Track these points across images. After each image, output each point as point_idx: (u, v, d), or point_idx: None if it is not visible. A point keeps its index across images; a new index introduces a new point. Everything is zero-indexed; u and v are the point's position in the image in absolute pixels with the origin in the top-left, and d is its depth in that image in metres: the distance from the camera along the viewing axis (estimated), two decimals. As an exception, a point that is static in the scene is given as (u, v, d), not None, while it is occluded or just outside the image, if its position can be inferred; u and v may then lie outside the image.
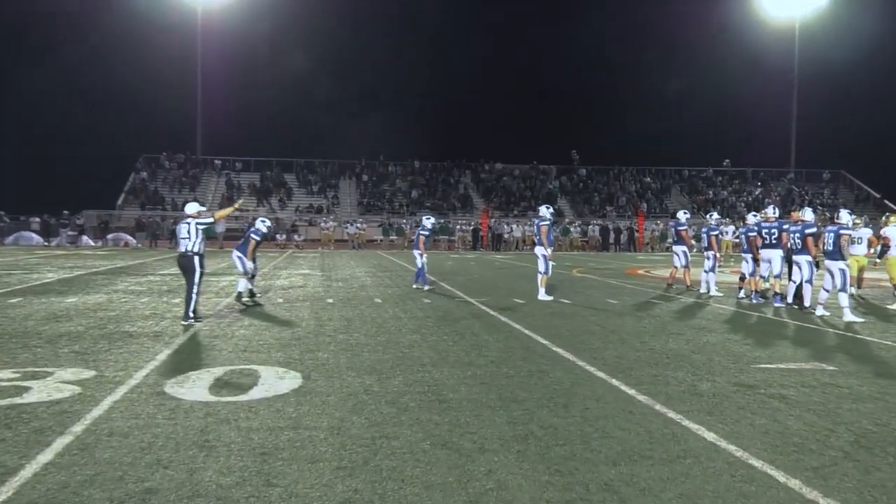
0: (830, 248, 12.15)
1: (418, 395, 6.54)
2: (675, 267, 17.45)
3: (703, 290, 16.44)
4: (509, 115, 77.66)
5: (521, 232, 44.00)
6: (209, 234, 41.19)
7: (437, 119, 73.26)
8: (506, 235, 43.97)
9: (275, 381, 7.07)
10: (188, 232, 10.75)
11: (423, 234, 16.59)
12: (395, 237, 43.09)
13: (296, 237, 43.34)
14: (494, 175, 58.11)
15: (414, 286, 16.56)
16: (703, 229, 17.04)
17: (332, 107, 70.16)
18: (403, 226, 43.93)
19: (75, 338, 9.35)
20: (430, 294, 15.47)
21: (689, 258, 17.13)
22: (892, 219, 15.07)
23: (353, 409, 6.10)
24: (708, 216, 17.44)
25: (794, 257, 13.32)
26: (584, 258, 34.44)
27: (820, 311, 12.41)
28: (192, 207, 11.12)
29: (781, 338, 10.00)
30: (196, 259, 10.70)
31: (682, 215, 17.53)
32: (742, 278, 15.36)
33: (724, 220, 35.03)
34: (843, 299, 11.90)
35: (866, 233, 15.39)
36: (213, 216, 11.01)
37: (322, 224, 44.25)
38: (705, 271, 16.45)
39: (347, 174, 56.30)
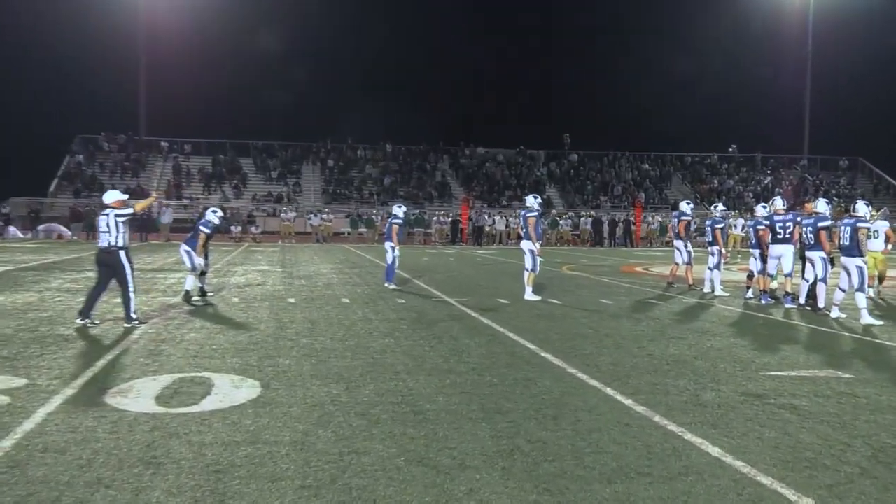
0: (847, 244, 12.31)
1: (391, 406, 6.55)
2: (676, 264, 17.60)
3: (706, 289, 16.59)
4: (493, 93, 77.69)
5: (506, 224, 44.17)
6: (154, 227, 40.91)
7: (411, 98, 73.21)
8: (488, 228, 44.10)
9: (230, 391, 7.04)
10: (108, 225, 10.50)
11: (395, 224, 16.59)
12: (365, 230, 43.07)
13: (252, 229, 43.16)
14: (476, 161, 58.26)
15: (385, 284, 16.56)
16: (707, 222, 17.19)
17: (293, 84, 69.82)
18: (374, 217, 43.88)
19: (2, 342, 9.25)
20: (405, 294, 15.48)
21: (692, 254, 17.28)
22: None
23: (318, 422, 6.09)
24: (712, 207, 17.60)
25: (807, 253, 13.49)
26: (575, 254, 34.62)
27: (835, 313, 12.57)
28: (111, 196, 10.85)
29: (793, 342, 10.13)
30: (121, 254, 10.51)
31: (686, 206, 17.68)
32: (750, 276, 15.51)
33: (731, 213, 35.37)
34: (861, 300, 12.07)
35: (883, 226, 15.51)
36: (133, 207, 10.84)
37: (282, 215, 44.11)
38: (709, 269, 16.60)
39: (311, 159, 56.11)
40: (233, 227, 42.14)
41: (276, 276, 19.27)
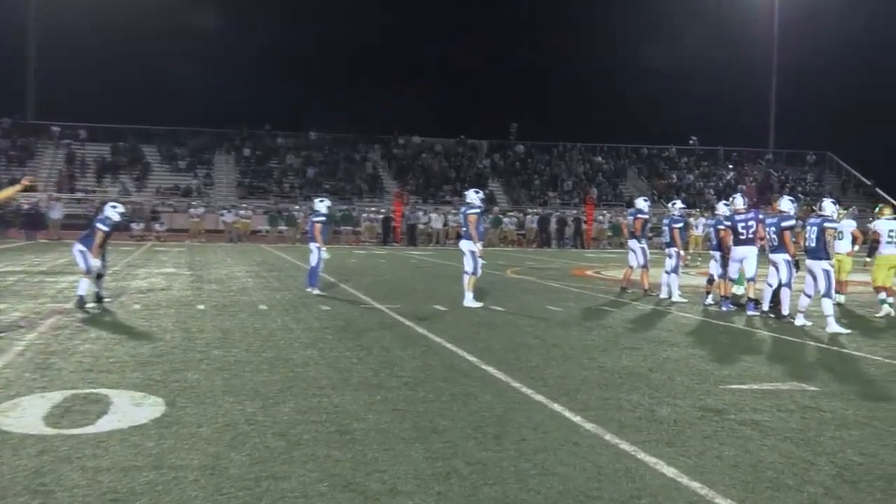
0: (813, 245, 12.65)
1: (314, 425, 6.53)
2: (631, 267, 17.87)
3: (663, 294, 16.89)
4: (431, 75, 77.79)
5: (444, 222, 44.34)
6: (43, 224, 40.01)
7: (338, 79, 72.79)
8: (423, 226, 44.20)
9: (130, 409, 6.95)
10: None
11: (317, 222, 16.53)
12: (286, 227, 42.82)
13: (157, 227, 42.56)
14: (411, 151, 58.34)
15: (308, 289, 16.50)
16: (665, 221, 17.49)
17: (204, 62, 68.84)
18: (296, 213, 43.63)
19: None
20: (330, 300, 15.43)
21: (648, 256, 17.57)
22: (884, 211, 15.68)
23: (231, 444, 6.05)
24: (671, 205, 17.90)
25: (771, 256, 13.84)
26: (520, 255, 34.88)
27: (800, 321, 12.92)
28: None
29: (755, 353, 10.38)
30: None
31: (642, 203, 17.97)
32: (710, 281, 15.84)
33: (693, 211, 35.99)
34: (828, 306, 12.42)
35: (849, 225, 15.81)
36: None
37: (191, 210, 43.55)
38: (666, 272, 16.90)
39: (225, 147, 55.49)
40: (134, 225, 41.53)
41: (184, 280, 19.06)
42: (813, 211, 15.84)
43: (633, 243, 17.68)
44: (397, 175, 55.29)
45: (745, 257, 14.59)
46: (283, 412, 6.93)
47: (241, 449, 5.93)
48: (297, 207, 45.34)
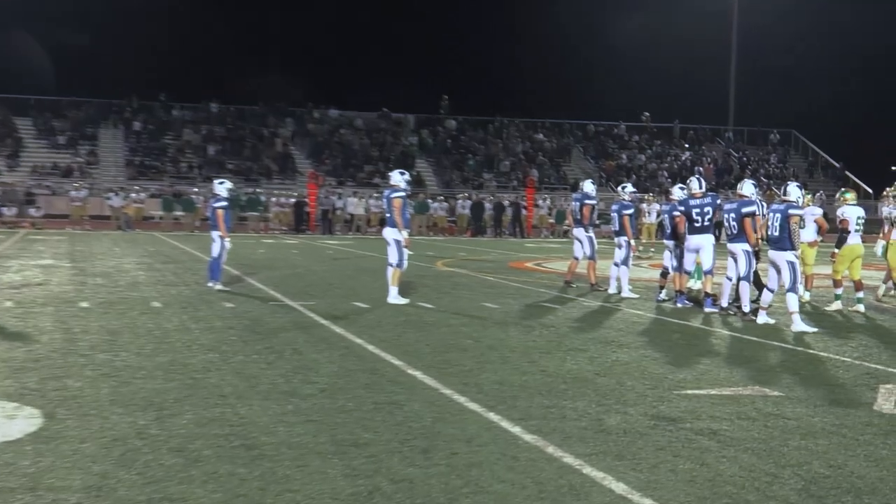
0: (776, 234, 12.88)
1: (216, 440, 6.49)
2: (576, 258, 18.04)
3: (612, 289, 17.09)
4: (350, 39, 77.40)
5: (365, 207, 44.24)
6: None
7: (245, 43, 71.98)
8: (340, 212, 44.05)
9: (1, 422, 6.83)
10: None
11: (219, 207, 16.39)
12: (183, 213, 42.33)
13: (32, 211, 41.73)
14: (327, 126, 58.06)
15: (209, 284, 16.36)
16: (614, 207, 17.68)
17: (87, 20, 67.53)
18: (194, 197, 43.15)
19: None
20: (234, 296, 15.33)
21: (596, 247, 17.75)
22: (847, 196, 16.02)
23: (119, 461, 5.98)
24: (620, 189, 18.10)
25: (729, 246, 14.09)
26: (451, 245, 34.97)
27: (762, 319, 13.18)
28: None
29: (713, 354, 10.57)
30: None
31: (590, 186, 18.11)
32: (664, 274, 16.06)
33: (646, 196, 36.33)
34: (793, 302, 12.67)
35: (813, 213, 16.06)
36: None
37: (72, 193, 42.78)
38: (616, 264, 17.10)
39: (112, 120, 54.56)
40: (4, 210, 40.69)
41: (64, 274, 18.76)
42: (768, 194, 16.18)
43: (578, 232, 17.82)
44: (311, 153, 54.98)
45: (701, 247, 14.79)
46: (180, 424, 6.87)
47: (131, 467, 5.86)
48: (195, 190, 44.83)
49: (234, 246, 17.58)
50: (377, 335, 11.24)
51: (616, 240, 17.22)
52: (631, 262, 17.26)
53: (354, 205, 44.29)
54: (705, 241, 14.73)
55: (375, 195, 43.94)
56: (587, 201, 17.70)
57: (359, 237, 40.61)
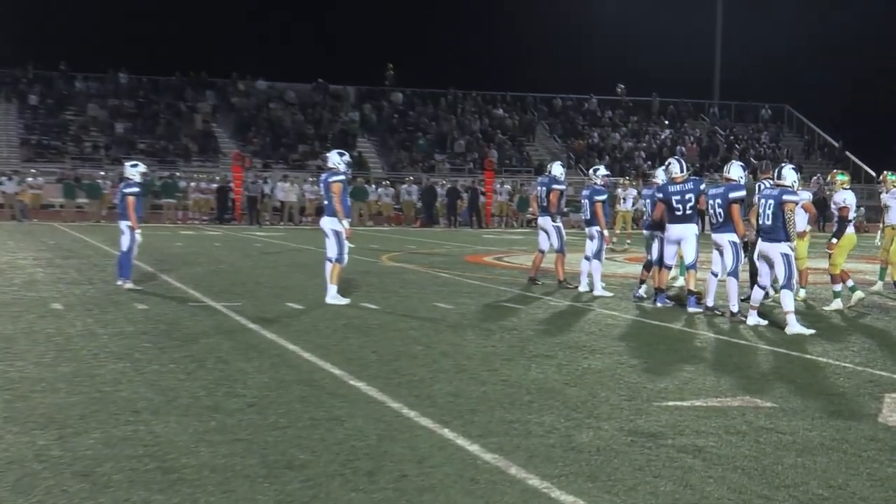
0: (768, 223, 12.98)
1: (128, 462, 6.44)
2: (542, 251, 18.09)
3: (582, 287, 17.16)
4: (281, 4, 77.02)
5: (298, 194, 44.08)
6: None
7: (157, 2, 71.31)
8: (267, 198, 43.84)
9: None
10: None
11: (130, 194, 16.24)
12: (87, 200, 42.01)
13: (-90, 199, 41.07)
14: (254, 100, 57.75)
15: (119, 282, 16.24)
16: (585, 192, 17.75)
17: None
18: (100, 182, 42.76)
19: None
20: (147, 296, 15.25)
21: (565, 238, 17.79)
22: (843, 178, 16.23)
23: (16, 487, 5.93)
24: (592, 172, 18.14)
25: (714, 236, 14.18)
26: (399, 237, 34.95)
27: (753, 320, 13.29)
28: None
29: (698, 361, 10.64)
30: None
31: (558, 169, 18.12)
32: (647, 266, 16.12)
33: (622, 180, 36.34)
34: (787, 300, 12.79)
35: (801, 197, 16.16)
36: None
37: (-42, 177, 42.24)
38: (587, 258, 17.17)
39: (3, 93, 53.86)
40: None
41: (-51, 271, 18.53)
42: (753, 176, 16.30)
43: (544, 221, 17.85)
44: (236, 131, 54.67)
45: (683, 239, 14.86)
46: (86, 445, 6.81)
47: (29, 493, 5.82)
48: (102, 174, 44.40)
49: (147, 238, 17.44)
50: (314, 341, 11.23)
51: (587, 230, 17.28)
52: (604, 255, 17.34)
53: (286, 191, 44.11)
54: (687, 232, 14.79)
55: (311, 179, 43.82)
56: (554, 186, 17.73)
57: (292, 228, 40.45)
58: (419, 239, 34.18)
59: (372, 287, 17.09)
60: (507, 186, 48.85)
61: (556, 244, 17.73)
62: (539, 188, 18.06)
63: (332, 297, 14.66)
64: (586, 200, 17.36)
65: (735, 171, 14.17)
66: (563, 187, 17.94)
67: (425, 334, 11.96)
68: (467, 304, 15.02)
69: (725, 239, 14.01)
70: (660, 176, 16.19)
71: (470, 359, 10.34)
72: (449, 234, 39.08)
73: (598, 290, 16.72)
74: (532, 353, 10.76)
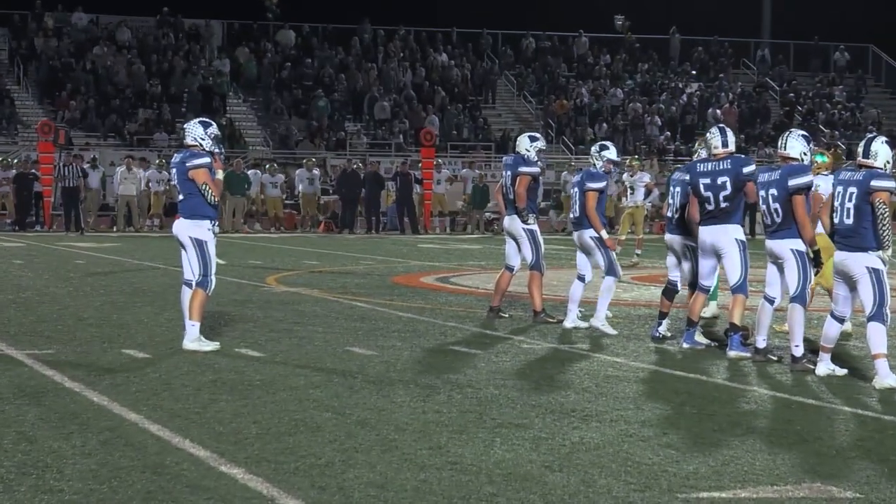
0: (849, 223, 12.92)
1: None
2: (509, 269, 18.10)
3: (569, 321, 17.18)
4: None
5: (139, 185, 43.70)
6: None
7: None
8: (92, 191, 43.48)
9: None
10: None
11: None
12: None
13: None
14: (70, 41, 57.41)
15: None
16: (575, 178, 17.83)
17: None
18: None
19: None
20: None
21: (542, 248, 17.78)
22: (821, 161, 16.78)
23: None
24: (595, 151, 17.64)
25: (770, 243, 14.19)
26: (293, 247, 34.85)
27: (824, 368, 13.27)
28: None
29: (742, 430, 10.67)
30: None
31: (529, 145, 18.09)
32: (668, 292, 16.16)
33: (633, 160, 36.15)
34: (876, 337, 12.70)
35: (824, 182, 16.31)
36: None
37: None
38: (580, 278, 17.19)
39: None
40: None
41: None
42: (845, 159, 16.42)
43: (511, 223, 17.85)
44: (45, 91, 54.39)
45: (720, 247, 14.92)
46: None
47: None
48: None
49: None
50: (166, 406, 11.17)
51: (576, 235, 17.31)
52: (619, 267, 17.33)
53: (121, 180, 43.77)
54: (724, 238, 14.89)
55: (157, 163, 43.60)
56: (523, 169, 17.71)
57: (131, 235, 40.23)
58: (324, 251, 34.14)
59: (254, 324, 17.07)
60: (455, 170, 48.86)
61: (529, 257, 17.74)
62: (504, 173, 18.04)
63: (193, 339, 14.57)
64: (576, 189, 17.33)
65: (796, 144, 14.13)
66: (535, 170, 17.90)
67: (334, 394, 11.95)
68: (397, 349, 15.02)
69: (786, 247, 14.00)
70: (699, 154, 16.20)
71: (402, 431, 10.31)
72: (368, 242, 39.06)
73: (599, 323, 16.72)
74: (496, 422, 10.75)
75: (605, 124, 56.94)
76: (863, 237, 12.76)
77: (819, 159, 16.52)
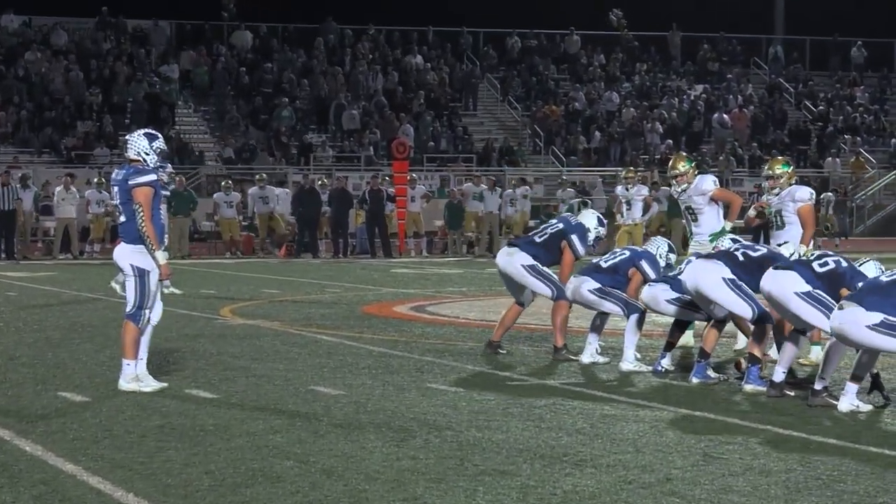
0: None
1: None
2: (519, 304, 18.16)
3: (586, 356, 17.23)
4: None
5: (79, 206, 43.63)
6: None
7: None
8: (26, 213, 43.51)
9: None
10: None
11: None
12: None
13: None
14: None
15: None
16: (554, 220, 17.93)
17: None
18: None
19: None
20: None
21: (552, 275, 17.88)
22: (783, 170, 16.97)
23: None
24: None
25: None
26: (250, 273, 34.86)
27: (848, 404, 13.33)
28: None
29: (754, 474, 10.66)
30: None
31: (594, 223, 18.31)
32: (679, 327, 16.26)
33: (629, 172, 36.21)
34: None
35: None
36: None
37: None
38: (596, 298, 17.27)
39: None
40: None
41: None
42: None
43: (509, 262, 17.91)
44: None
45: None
46: None
47: None
48: None
49: None
50: (107, 455, 11.14)
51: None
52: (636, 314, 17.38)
53: (58, 201, 43.74)
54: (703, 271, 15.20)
55: (96, 181, 43.57)
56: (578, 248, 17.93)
57: (69, 263, 40.20)
58: (286, 278, 34.17)
59: (206, 361, 17.05)
60: (431, 184, 48.94)
61: (545, 292, 17.82)
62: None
63: (130, 379, 14.53)
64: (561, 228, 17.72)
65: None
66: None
67: (297, 440, 11.93)
68: (367, 388, 15.04)
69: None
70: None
71: (373, 480, 10.29)
72: (335, 267, 39.10)
73: (629, 364, 16.73)
74: (479, 469, 10.73)
75: (599, 132, 57.04)
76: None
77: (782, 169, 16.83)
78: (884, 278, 13.19)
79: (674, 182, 18.76)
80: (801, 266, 13.93)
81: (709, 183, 18.46)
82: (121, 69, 57.30)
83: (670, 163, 18.76)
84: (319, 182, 46.36)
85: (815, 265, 13.87)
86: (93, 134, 52.36)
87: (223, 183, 46.89)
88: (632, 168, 37.34)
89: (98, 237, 42.83)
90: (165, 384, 14.68)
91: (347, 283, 31.89)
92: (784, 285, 13.69)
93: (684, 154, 19.52)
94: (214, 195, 45.67)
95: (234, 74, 58.86)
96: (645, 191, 32.64)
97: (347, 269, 38.02)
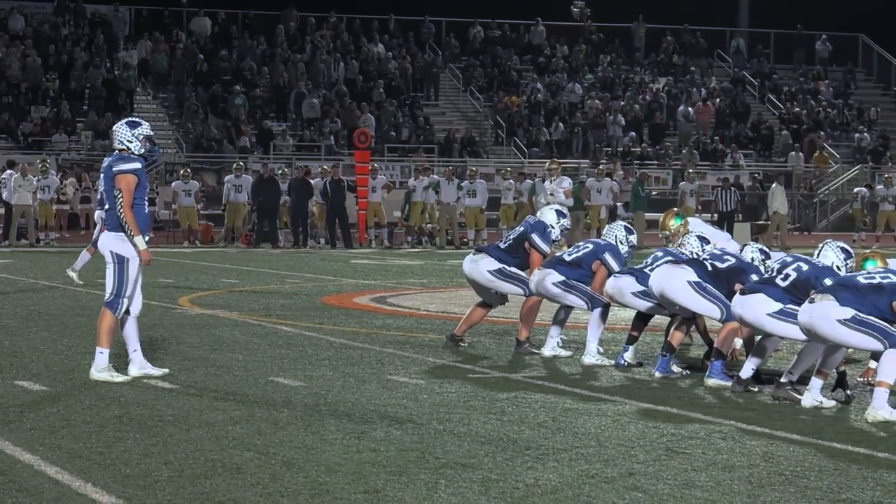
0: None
1: None
2: (483, 306, 18.20)
3: (548, 349, 17.25)
4: None
5: (38, 192, 43.46)
6: None
7: None
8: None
9: None
10: None
11: None
12: None
13: None
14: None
15: None
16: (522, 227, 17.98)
17: None
18: None
19: None
20: None
21: (520, 274, 17.89)
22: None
23: None
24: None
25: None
26: (209, 263, 34.80)
27: (810, 399, 13.39)
28: None
29: (717, 469, 10.68)
30: None
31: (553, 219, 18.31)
32: (643, 319, 16.31)
33: (600, 166, 36.19)
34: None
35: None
36: None
37: None
38: (563, 305, 17.26)
39: None
40: None
41: None
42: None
43: (473, 268, 17.97)
44: None
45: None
46: None
47: None
48: None
49: None
50: (65, 446, 11.12)
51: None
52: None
53: (15, 187, 43.54)
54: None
55: (41, 167, 43.41)
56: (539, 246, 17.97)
57: (26, 250, 40.11)
58: (245, 267, 34.11)
59: (165, 351, 17.05)
60: (392, 173, 48.88)
61: (516, 291, 17.89)
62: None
63: (102, 368, 14.53)
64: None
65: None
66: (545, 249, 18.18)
67: (256, 431, 11.93)
68: (328, 379, 15.06)
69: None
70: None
71: (333, 472, 10.29)
72: (295, 258, 39.03)
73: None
74: (440, 462, 10.74)
75: (561, 124, 57.02)
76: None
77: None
78: (862, 279, 13.20)
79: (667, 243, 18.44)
80: (766, 286, 14.00)
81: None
82: (79, 55, 57.07)
83: (661, 221, 18.54)
84: (280, 171, 46.29)
85: (778, 281, 13.94)
86: (49, 120, 52.15)
87: (182, 171, 46.74)
88: (602, 164, 37.31)
89: (51, 224, 42.60)
90: (164, 370, 14.91)
91: (307, 274, 31.86)
92: (755, 310, 13.79)
93: (675, 210, 19.26)
94: (173, 184, 45.55)
95: (193, 62, 58.68)
96: (567, 183, 32.75)
97: (307, 260, 37.94)
